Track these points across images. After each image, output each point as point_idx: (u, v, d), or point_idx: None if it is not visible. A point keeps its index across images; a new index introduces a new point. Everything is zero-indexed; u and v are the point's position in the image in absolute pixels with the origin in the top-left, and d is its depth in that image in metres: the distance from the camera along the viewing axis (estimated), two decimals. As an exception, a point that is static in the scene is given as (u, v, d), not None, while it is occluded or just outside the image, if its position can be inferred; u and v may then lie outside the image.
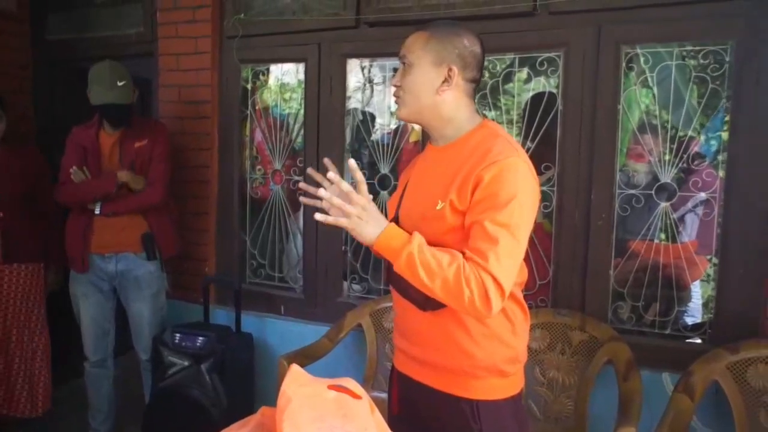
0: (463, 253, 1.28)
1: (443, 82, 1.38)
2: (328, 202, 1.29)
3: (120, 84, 2.51)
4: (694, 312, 2.55)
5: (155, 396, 2.64)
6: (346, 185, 1.30)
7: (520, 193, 1.28)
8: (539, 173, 2.38)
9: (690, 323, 2.39)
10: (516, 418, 1.45)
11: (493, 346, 1.38)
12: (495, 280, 1.23)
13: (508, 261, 1.26)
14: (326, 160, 1.41)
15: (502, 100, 2.57)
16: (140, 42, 3.23)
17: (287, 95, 3.06)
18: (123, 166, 2.61)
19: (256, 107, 3.03)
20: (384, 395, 2.33)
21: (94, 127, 2.66)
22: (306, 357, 2.37)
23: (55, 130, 2.85)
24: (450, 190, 1.33)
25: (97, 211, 2.60)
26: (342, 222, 1.27)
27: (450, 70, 1.37)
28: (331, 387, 0.94)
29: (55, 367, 3.01)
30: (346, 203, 1.27)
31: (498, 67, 2.51)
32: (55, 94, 3.56)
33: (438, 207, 1.34)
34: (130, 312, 2.75)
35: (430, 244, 1.33)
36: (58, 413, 3.06)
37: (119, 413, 2.92)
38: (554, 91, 2.39)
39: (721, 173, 2.16)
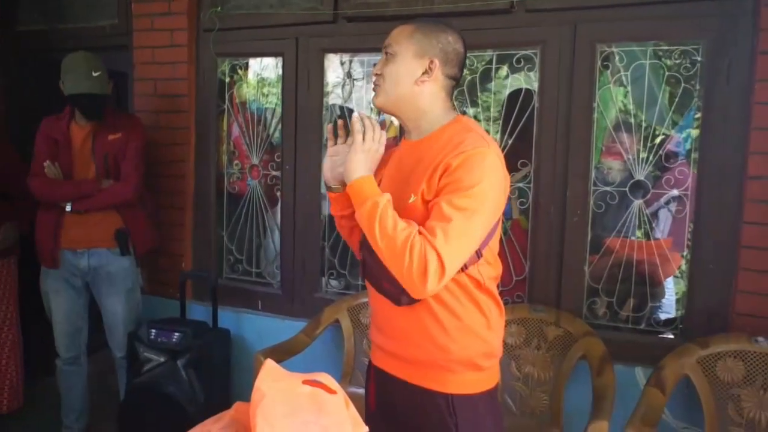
0: None
1: (423, 73, 1.41)
2: (361, 117, 1.40)
3: (95, 74, 2.47)
4: (667, 307, 2.60)
5: (130, 392, 2.61)
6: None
7: (484, 181, 1.29)
8: (516, 170, 2.41)
9: (663, 318, 2.43)
10: (491, 412, 1.46)
11: (468, 340, 1.39)
12: (439, 257, 1.24)
13: (457, 242, 1.27)
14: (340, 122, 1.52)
15: (482, 98, 2.59)
16: (114, 34, 3.17)
17: (265, 90, 3.04)
18: (95, 159, 2.57)
19: (234, 102, 3.00)
20: (362, 391, 2.33)
21: (65, 119, 2.61)
22: (283, 353, 2.36)
23: (26, 123, 2.78)
24: (421, 182, 1.35)
25: (68, 209, 2.55)
26: (358, 138, 1.39)
27: (431, 62, 1.40)
28: (305, 382, 0.93)
29: (28, 364, 2.96)
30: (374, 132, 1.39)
31: (477, 64, 2.52)
32: (26, 86, 3.48)
33: (410, 200, 1.36)
34: (104, 308, 2.71)
35: None
36: (31, 411, 3.00)
37: (93, 410, 2.88)
38: (531, 88, 2.41)
39: (693, 171, 2.20)
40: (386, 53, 1.44)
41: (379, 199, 1.31)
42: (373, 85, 1.47)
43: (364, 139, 1.39)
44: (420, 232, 1.28)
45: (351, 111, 2.92)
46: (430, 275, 1.25)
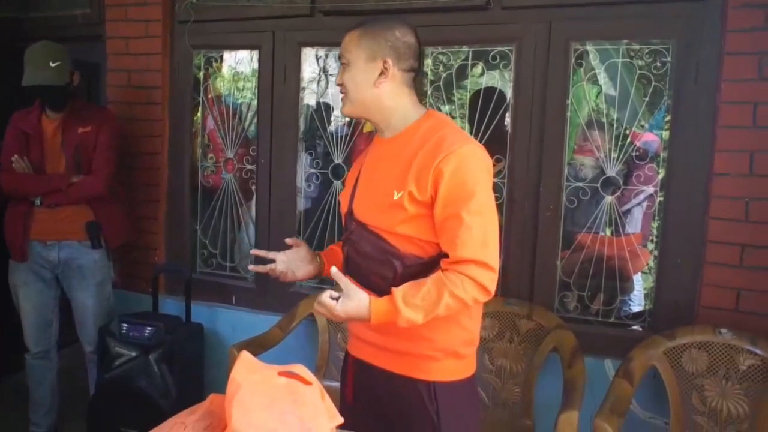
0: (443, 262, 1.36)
1: (380, 74, 1.43)
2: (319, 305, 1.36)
3: (53, 65, 2.40)
4: (636, 301, 2.66)
5: (100, 387, 2.58)
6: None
7: (481, 178, 1.37)
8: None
9: (632, 312, 2.49)
10: (470, 399, 1.51)
11: (451, 329, 1.42)
12: (484, 265, 1.33)
13: (492, 241, 1.36)
14: (288, 240, 1.62)
15: (456, 94, 2.61)
16: (87, 24, 3.10)
17: (240, 83, 3.02)
18: (65, 152, 2.52)
19: (209, 94, 2.97)
20: (336, 384, 2.34)
21: (35, 112, 2.56)
22: (257, 346, 2.35)
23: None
24: (407, 179, 1.37)
25: (37, 203, 2.51)
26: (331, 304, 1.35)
27: (385, 62, 1.43)
28: (281, 373, 0.94)
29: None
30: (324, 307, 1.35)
31: (452, 60, 2.54)
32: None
33: (395, 197, 1.38)
34: (74, 302, 2.66)
35: (387, 234, 1.40)
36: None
37: (62, 407, 2.83)
38: (506, 86, 2.43)
39: (662, 168, 2.25)
40: (342, 63, 1.47)
41: (403, 315, 1.32)
42: (341, 95, 1.51)
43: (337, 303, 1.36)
44: (448, 263, 1.34)
45: (328, 105, 2.92)
46: (489, 286, 1.34)
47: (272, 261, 1.61)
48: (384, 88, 1.44)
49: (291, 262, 1.60)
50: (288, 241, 1.64)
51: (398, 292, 1.33)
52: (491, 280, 1.34)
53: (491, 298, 1.38)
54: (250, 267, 1.66)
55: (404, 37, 1.44)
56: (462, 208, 1.33)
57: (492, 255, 1.35)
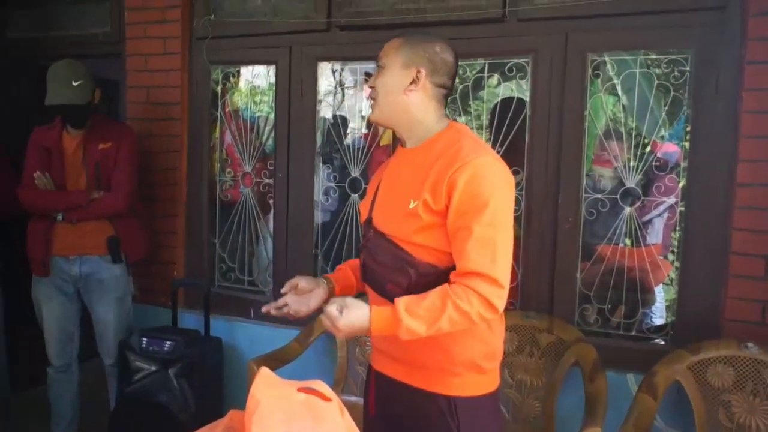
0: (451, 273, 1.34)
1: (411, 83, 1.44)
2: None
3: (75, 84, 2.44)
4: (658, 314, 2.61)
5: (121, 401, 2.59)
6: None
7: (496, 189, 1.34)
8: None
9: (654, 325, 2.44)
10: (493, 415, 1.49)
11: (470, 342, 1.41)
12: (492, 280, 1.30)
13: (503, 257, 1.33)
14: (283, 291, 1.58)
15: (473, 105, 2.61)
16: (107, 42, 3.17)
17: (258, 98, 3.04)
18: (86, 168, 2.56)
19: (226, 109, 3.00)
20: (354, 399, 2.33)
21: (57, 128, 2.60)
22: (276, 361, 2.35)
23: (17, 132, 2.77)
24: (423, 189, 1.37)
25: (59, 218, 2.54)
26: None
27: (418, 71, 1.44)
28: (300, 389, 0.93)
29: (16, 373, 2.93)
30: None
31: (468, 73, 2.54)
32: (17, 94, 3.46)
33: (411, 206, 1.38)
34: (95, 316, 2.69)
35: (403, 242, 1.39)
36: (21, 420, 2.97)
37: (83, 420, 2.85)
38: (523, 96, 2.43)
39: (683, 179, 2.22)
40: (378, 66, 1.49)
41: (404, 325, 1.29)
42: (369, 99, 1.52)
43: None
44: (456, 275, 1.32)
45: (344, 119, 2.93)
46: (495, 302, 1.31)
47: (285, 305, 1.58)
48: (413, 97, 1.45)
49: (300, 300, 1.57)
50: (283, 291, 1.59)
51: (400, 301, 1.31)
52: (498, 297, 1.31)
53: (497, 315, 1.35)
54: (264, 309, 1.60)
55: (443, 53, 1.46)
56: (473, 219, 1.31)
57: (501, 270, 1.32)
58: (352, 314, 1.33)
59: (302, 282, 1.58)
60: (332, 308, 1.34)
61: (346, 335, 1.37)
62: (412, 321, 1.29)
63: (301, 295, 1.57)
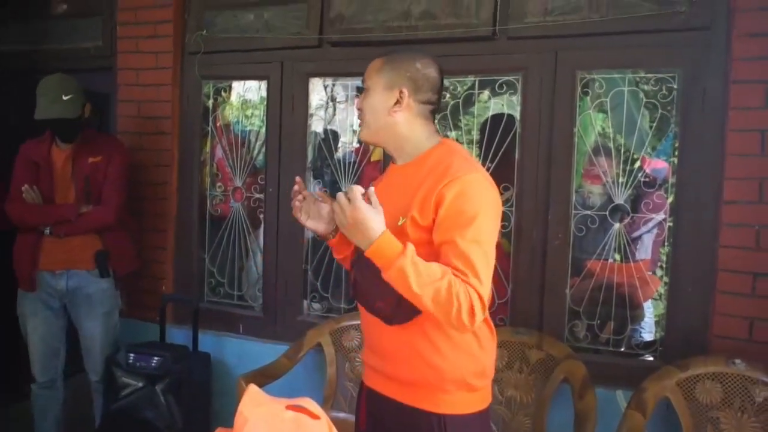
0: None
1: (395, 103, 1.45)
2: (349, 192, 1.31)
3: (66, 98, 2.44)
4: (647, 329, 2.62)
5: (106, 418, 2.55)
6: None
7: (483, 207, 1.34)
8: (498, 193, 2.43)
9: (643, 341, 2.45)
10: None
11: (459, 359, 1.40)
12: (478, 294, 1.29)
13: (484, 272, 1.32)
14: (317, 192, 1.58)
15: (464, 120, 2.62)
16: (98, 56, 3.16)
17: (249, 112, 3.05)
18: (75, 182, 2.55)
19: (217, 124, 3.00)
20: (344, 415, 2.32)
21: (46, 142, 2.59)
22: (265, 376, 2.33)
23: (7, 146, 2.75)
24: (412, 206, 1.38)
25: (47, 232, 2.52)
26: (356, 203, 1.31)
27: (401, 92, 1.45)
28: (289, 407, 0.93)
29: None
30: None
31: (459, 89, 2.56)
32: (7, 107, 3.44)
33: (399, 223, 1.39)
34: (82, 331, 2.65)
35: None
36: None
37: (67, 437, 2.81)
38: (514, 112, 2.45)
39: (671, 195, 2.25)
40: (364, 88, 1.52)
41: (404, 262, 1.27)
42: (359, 120, 1.54)
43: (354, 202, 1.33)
44: (454, 274, 1.30)
45: (336, 134, 2.94)
46: (477, 313, 1.29)
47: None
48: (398, 117, 1.46)
49: (313, 208, 1.56)
50: (318, 192, 1.59)
51: (411, 246, 1.30)
52: (480, 308, 1.30)
53: (470, 328, 1.32)
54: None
55: (425, 69, 1.47)
56: (457, 234, 1.31)
57: (483, 287, 1.31)
58: (370, 212, 1.29)
59: (326, 210, 1.55)
60: (359, 193, 1.30)
61: (345, 228, 1.33)
62: (409, 267, 1.27)
63: (315, 208, 1.56)
